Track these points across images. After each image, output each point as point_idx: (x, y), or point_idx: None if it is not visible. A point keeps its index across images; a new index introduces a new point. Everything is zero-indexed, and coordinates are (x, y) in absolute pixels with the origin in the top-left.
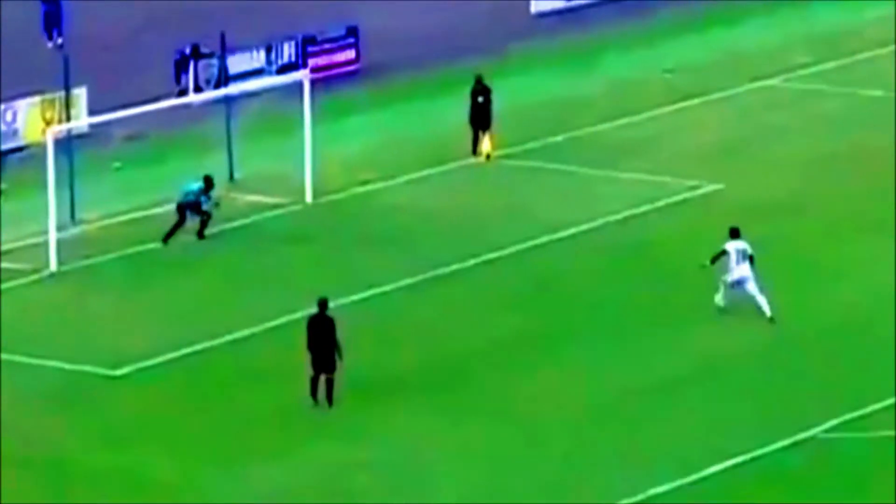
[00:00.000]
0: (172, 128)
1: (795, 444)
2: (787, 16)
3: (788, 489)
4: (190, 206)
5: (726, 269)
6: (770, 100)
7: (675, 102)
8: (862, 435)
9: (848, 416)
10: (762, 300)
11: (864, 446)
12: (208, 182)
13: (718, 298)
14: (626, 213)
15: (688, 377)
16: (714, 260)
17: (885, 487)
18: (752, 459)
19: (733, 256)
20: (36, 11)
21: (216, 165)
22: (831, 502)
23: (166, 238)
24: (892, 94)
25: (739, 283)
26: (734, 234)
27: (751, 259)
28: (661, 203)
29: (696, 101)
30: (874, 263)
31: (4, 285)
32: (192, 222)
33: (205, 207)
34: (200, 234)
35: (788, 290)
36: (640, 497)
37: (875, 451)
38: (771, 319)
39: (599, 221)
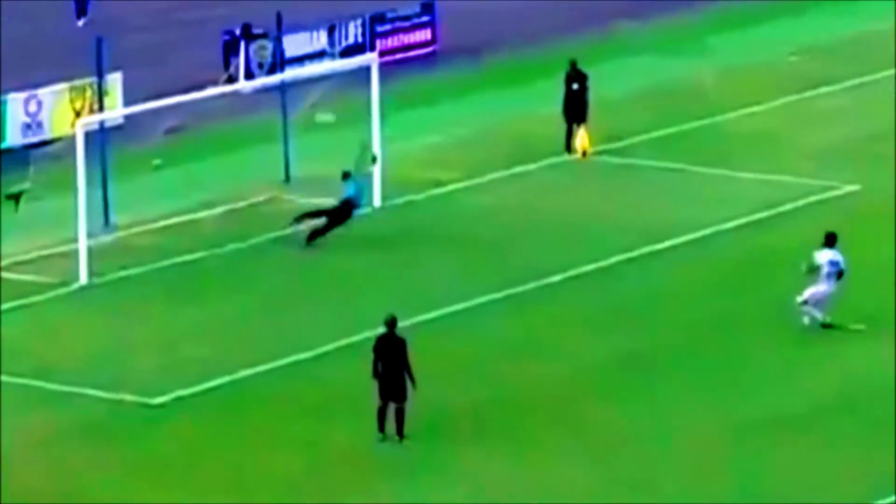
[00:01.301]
0: (220, 119)
1: None
2: None
3: None
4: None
5: (811, 284)
6: None
7: (800, 91)
8: None
9: None
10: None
11: None
12: (347, 178)
13: (817, 315)
14: (744, 218)
15: (816, 409)
16: (809, 270)
17: None
18: None
19: (825, 270)
20: None
21: (270, 162)
22: None
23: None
24: None
25: (819, 302)
26: (830, 241)
27: (839, 275)
28: (784, 207)
29: (825, 88)
30: None
31: (28, 300)
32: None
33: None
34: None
35: None
36: None
37: None
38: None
39: (713, 228)
